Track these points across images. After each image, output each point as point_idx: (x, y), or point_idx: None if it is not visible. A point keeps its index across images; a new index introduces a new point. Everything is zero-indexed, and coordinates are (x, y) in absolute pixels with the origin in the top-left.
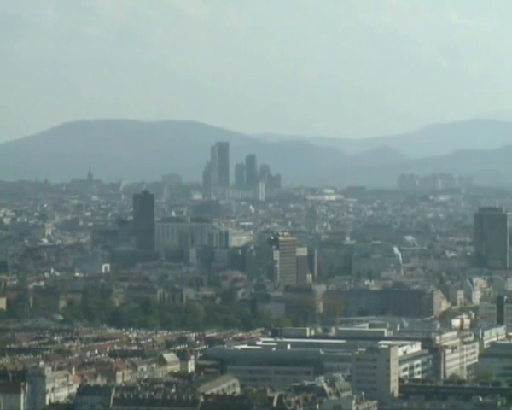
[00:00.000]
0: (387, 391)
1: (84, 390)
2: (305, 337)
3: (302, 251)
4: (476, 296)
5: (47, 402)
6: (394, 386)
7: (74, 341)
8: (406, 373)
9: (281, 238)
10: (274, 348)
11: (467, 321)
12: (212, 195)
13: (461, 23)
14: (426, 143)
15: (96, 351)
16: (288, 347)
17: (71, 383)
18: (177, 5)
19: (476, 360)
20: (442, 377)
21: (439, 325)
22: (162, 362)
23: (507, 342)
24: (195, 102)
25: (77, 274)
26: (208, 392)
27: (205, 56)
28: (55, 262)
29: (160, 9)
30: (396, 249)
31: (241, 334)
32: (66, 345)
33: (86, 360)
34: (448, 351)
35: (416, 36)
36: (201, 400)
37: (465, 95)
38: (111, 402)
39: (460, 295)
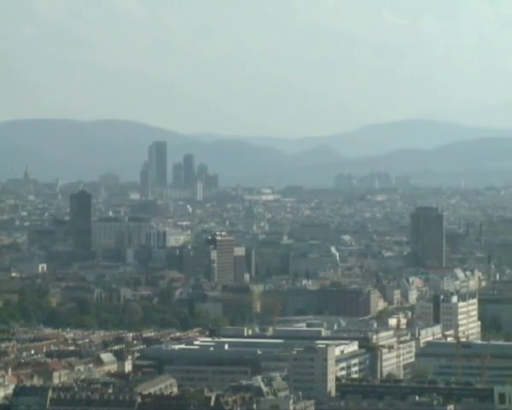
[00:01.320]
0: (325, 391)
1: (20, 391)
2: (243, 337)
3: (240, 251)
4: (413, 296)
5: None
6: (331, 385)
7: (10, 341)
8: (343, 373)
9: (218, 238)
10: (211, 348)
11: (403, 320)
12: (149, 194)
13: (397, 23)
14: (363, 143)
15: (33, 351)
16: (226, 347)
17: (7, 383)
18: (115, 5)
19: (412, 360)
20: (379, 376)
21: (375, 325)
22: (99, 362)
23: (443, 341)
24: (133, 102)
25: (13, 274)
26: (145, 392)
27: (143, 56)
28: None
29: (98, 9)
30: (333, 249)
31: (178, 334)
32: (3, 345)
33: (22, 361)
34: (385, 350)
35: (353, 36)
36: (138, 400)
37: (402, 95)
38: (47, 403)
39: (396, 294)
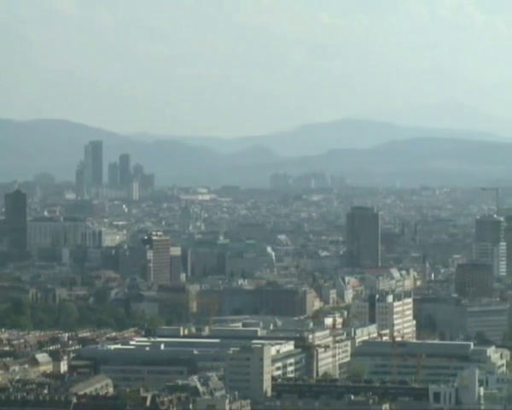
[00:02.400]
0: (261, 390)
1: None
2: (179, 337)
3: (176, 251)
4: (348, 295)
5: None
6: (267, 385)
7: None
8: (279, 372)
9: (154, 238)
10: (147, 348)
11: (339, 320)
12: (85, 194)
13: (333, 23)
14: (299, 143)
15: None
16: (162, 346)
17: None
18: (51, 5)
19: (348, 359)
20: (315, 375)
21: (311, 324)
22: (34, 363)
23: (379, 340)
24: (70, 102)
25: None
26: (81, 392)
27: (79, 56)
28: None
29: (32, 7)
30: (269, 249)
31: (114, 334)
32: None
33: None
34: (321, 350)
35: (289, 36)
36: (74, 400)
37: (338, 95)
38: None
39: (332, 294)
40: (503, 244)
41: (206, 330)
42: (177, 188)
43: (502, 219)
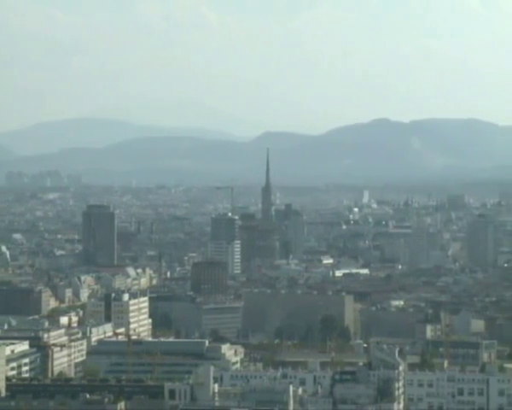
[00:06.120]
0: None
1: None
2: None
3: None
4: (84, 294)
5: None
6: (1, 385)
7: None
8: (14, 372)
9: None
10: None
11: (75, 319)
12: None
13: (68, 21)
14: (35, 141)
15: None
16: None
17: None
18: None
19: (84, 358)
20: (50, 375)
21: (47, 324)
22: None
23: (114, 339)
24: None
25: None
26: None
27: None
28: None
29: None
30: (4, 248)
31: None
32: None
33: None
34: (56, 349)
35: (23, 31)
36: None
37: (74, 93)
38: None
39: (68, 293)
40: (237, 243)
41: None
42: None
43: (236, 217)
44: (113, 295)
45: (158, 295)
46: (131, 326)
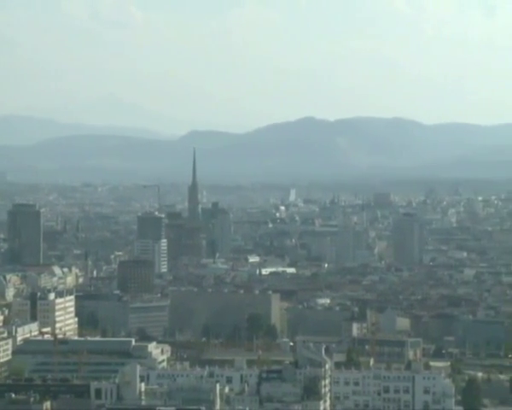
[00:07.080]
0: None
1: None
2: None
3: None
4: (10, 293)
5: None
6: None
7: None
8: None
9: None
10: None
11: (0, 318)
12: None
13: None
14: None
15: None
16: None
17: None
18: None
19: (9, 357)
20: None
21: None
22: None
23: (40, 338)
24: None
25: None
26: None
27: None
28: None
29: None
30: None
31: None
32: None
33: None
34: None
35: None
36: None
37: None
38: None
39: None
40: (164, 241)
41: None
42: None
43: (163, 216)
44: (38, 294)
45: (84, 293)
46: (57, 325)
